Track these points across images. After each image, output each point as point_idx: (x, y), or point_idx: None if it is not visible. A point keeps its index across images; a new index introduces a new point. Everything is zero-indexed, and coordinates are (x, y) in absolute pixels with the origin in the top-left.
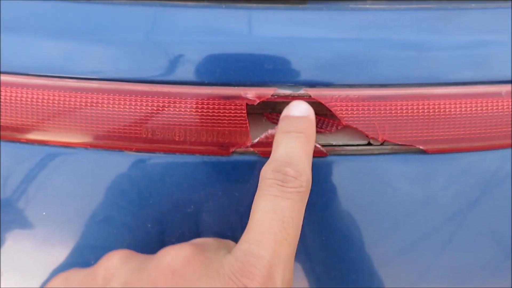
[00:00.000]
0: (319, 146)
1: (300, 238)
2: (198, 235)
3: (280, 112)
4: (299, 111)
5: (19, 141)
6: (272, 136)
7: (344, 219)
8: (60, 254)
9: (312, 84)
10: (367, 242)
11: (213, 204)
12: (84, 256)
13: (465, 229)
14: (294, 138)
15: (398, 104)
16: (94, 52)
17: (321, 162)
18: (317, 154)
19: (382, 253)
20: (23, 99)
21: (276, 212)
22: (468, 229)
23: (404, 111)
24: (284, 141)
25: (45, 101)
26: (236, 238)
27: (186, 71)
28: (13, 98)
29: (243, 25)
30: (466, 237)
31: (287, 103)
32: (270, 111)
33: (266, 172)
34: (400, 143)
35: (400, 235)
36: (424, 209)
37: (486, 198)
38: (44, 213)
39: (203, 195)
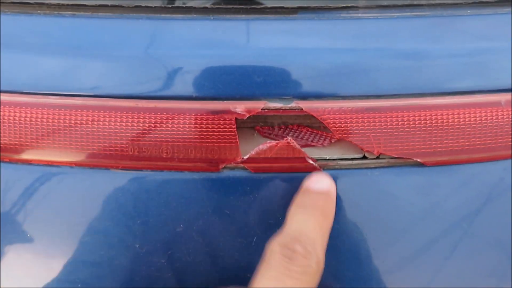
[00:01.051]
0: (312, 162)
1: None
2: (188, 255)
3: (272, 125)
4: (320, 185)
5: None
6: (264, 152)
7: (340, 235)
8: (51, 270)
9: (303, 96)
10: (364, 257)
11: (204, 222)
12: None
13: (466, 244)
14: (309, 214)
15: (394, 116)
16: (76, 67)
17: None
18: (310, 169)
19: (379, 268)
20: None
21: None
22: (470, 244)
23: (400, 123)
24: (298, 215)
25: (25, 119)
26: (227, 258)
27: (173, 86)
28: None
29: (232, 37)
30: (467, 252)
31: (278, 117)
32: (262, 124)
33: (274, 244)
34: (396, 156)
35: (398, 250)
36: (424, 224)
37: (488, 212)
38: (28, 235)
39: (192, 214)
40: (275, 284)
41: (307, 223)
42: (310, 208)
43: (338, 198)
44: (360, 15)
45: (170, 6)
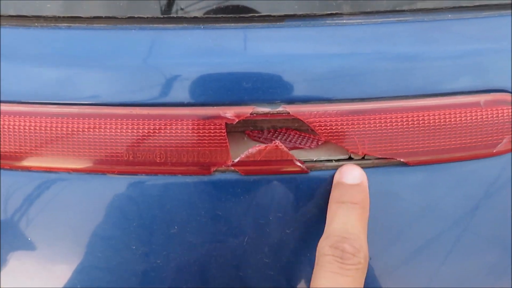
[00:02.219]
0: (300, 164)
1: (285, 255)
2: (182, 256)
3: (261, 129)
4: (352, 178)
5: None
6: (253, 155)
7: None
8: (51, 273)
9: (290, 101)
10: None
11: (197, 224)
12: (73, 277)
13: (450, 240)
14: (349, 209)
15: (377, 118)
16: (71, 77)
17: (303, 178)
18: (298, 171)
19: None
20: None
21: None
22: (453, 241)
23: (383, 125)
24: (339, 212)
25: (24, 127)
26: (219, 257)
27: (165, 93)
28: None
29: (221, 45)
30: (453, 249)
31: (267, 121)
32: (252, 128)
33: (324, 247)
34: (381, 156)
35: (386, 249)
36: (409, 222)
37: (469, 207)
38: (29, 239)
39: (186, 215)
40: (331, 284)
41: (350, 220)
42: (349, 203)
43: (325, 199)
44: (344, 21)
45: (162, 16)
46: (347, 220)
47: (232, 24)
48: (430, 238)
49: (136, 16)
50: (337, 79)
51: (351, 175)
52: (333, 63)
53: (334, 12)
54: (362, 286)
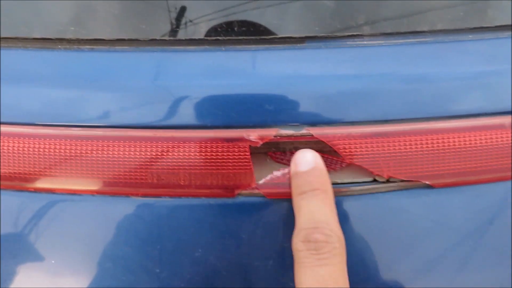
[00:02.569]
0: None
1: None
2: (206, 279)
3: (284, 151)
4: (305, 164)
5: (25, 190)
6: (278, 178)
7: (352, 259)
8: None
9: (313, 123)
10: (375, 281)
11: (221, 247)
12: None
13: (474, 266)
14: (311, 198)
15: (402, 140)
16: (96, 99)
17: None
18: None
19: None
20: (26, 149)
21: (319, 281)
22: (478, 266)
23: (408, 147)
24: (303, 204)
25: (50, 150)
26: (244, 281)
27: (189, 115)
28: (15, 148)
29: (243, 67)
30: (476, 274)
31: (289, 143)
32: (274, 150)
33: (297, 244)
34: (406, 179)
35: (410, 274)
36: (434, 245)
37: (496, 232)
38: (52, 261)
39: (210, 239)
40: (312, 279)
41: (315, 208)
42: (309, 192)
43: (349, 220)
44: (365, 42)
45: (184, 38)
46: (312, 210)
47: (253, 46)
48: (458, 260)
49: (158, 38)
50: (359, 101)
51: (304, 162)
52: (355, 85)
53: (355, 33)
54: (345, 270)
